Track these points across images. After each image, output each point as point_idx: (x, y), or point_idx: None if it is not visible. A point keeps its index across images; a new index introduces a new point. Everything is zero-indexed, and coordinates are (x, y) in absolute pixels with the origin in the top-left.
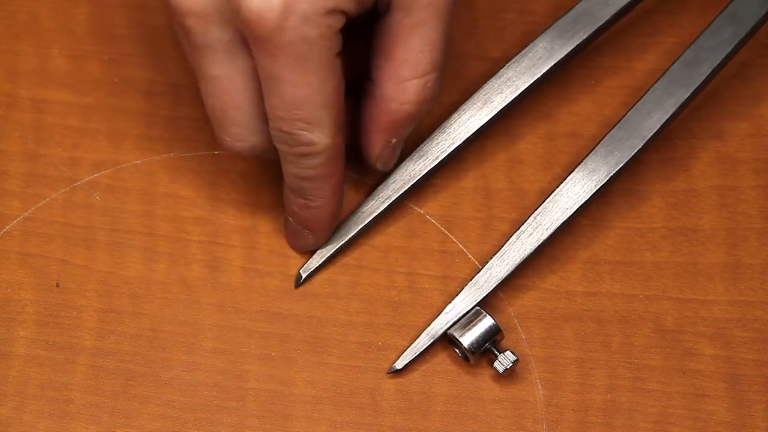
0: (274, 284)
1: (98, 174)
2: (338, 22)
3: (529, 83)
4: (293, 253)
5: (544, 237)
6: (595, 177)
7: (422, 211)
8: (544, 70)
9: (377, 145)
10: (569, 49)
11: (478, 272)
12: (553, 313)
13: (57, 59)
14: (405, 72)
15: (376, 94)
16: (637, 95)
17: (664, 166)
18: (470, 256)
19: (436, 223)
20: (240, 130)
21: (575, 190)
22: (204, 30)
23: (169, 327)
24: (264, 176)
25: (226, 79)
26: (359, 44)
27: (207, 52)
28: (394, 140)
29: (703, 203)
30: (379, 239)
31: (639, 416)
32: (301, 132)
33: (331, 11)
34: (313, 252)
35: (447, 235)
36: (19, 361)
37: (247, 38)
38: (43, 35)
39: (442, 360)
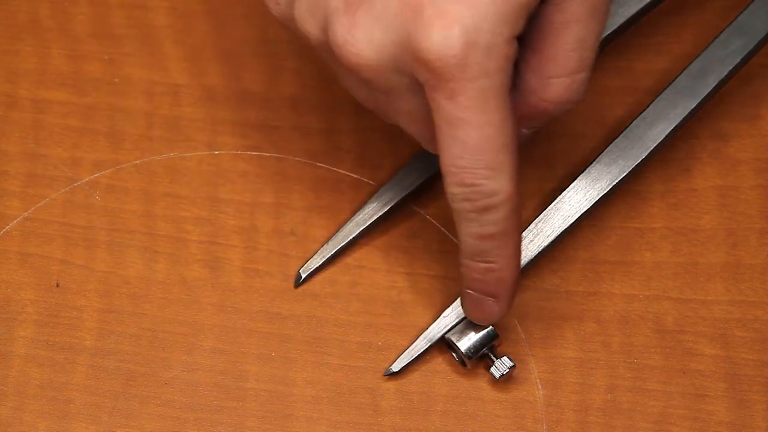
0: (274, 284)
1: (98, 174)
2: (515, 50)
3: None
4: (293, 253)
5: (545, 244)
6: (598, 185)
7: (422, 212)
8: None
9: None
10: None
11: None
12: (553, 313)
13: (57, 59)
14: (551, 69)
15: (519, 85)
16: (636, 95)
17: (664, 166)
18: None
19: (437, 223)
20: None
21: (577, 198)
22: (384, 79)
23: (169, 327)
24: (264, 176)
25: (421, 111)
26: None
27: (392, 96)
28: (525, 130)
29: (703, 203)
30: (379, 239)
31: (639, 416)
32: (484, 181)
33: (512, 40)
34: (314, 252)
35: (447, 235)
36: (19, 361)
37: (425, 82)
38: (43, 35)
39: (442, 360)
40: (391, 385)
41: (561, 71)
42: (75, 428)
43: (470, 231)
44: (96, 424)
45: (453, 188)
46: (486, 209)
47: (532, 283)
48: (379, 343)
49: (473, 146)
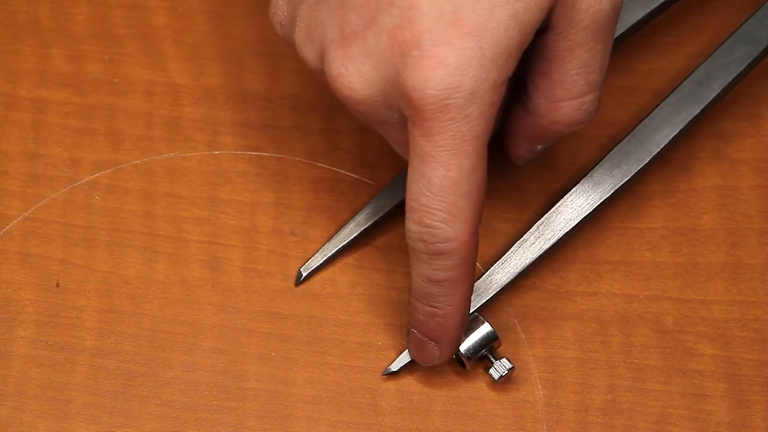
0: (274, 284)
1: (98, 174)
2: (500, 97)
3: None
4: (293, 253)
5: (546, 246)
6: (600, 189)
7: None
8: None
9: (521, 148)
10: None
11: (478, 278)
12: (553, 313)
13: (57, 59)
14: (559, 93)
15: (529, 108)
16: (638, 96)
17: (664, 166)
18: None
19: None
20: None
21: (579, 202)
22: (376, 113)
23: (169, 327)
24: (264, 176)
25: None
26: None
27: (385, 126)
28: (539, 147)
29: (703, 203)
30: (379, 239)
31: (639, 416)
32: (441, 224)
33: (499, 85)
34: (314, 251)
35: None
36: (19, 361)
37: (408, 117)
38: (43, 35)
39: None
40: (391, 385)
41: (569, 95)
42: (75, 428)
43: (421, 272)
44: (96, 424)
45: (411, 225)
46: (438, 254)
47: (532, 283)
48: (379, 343)
49: (437, 186)
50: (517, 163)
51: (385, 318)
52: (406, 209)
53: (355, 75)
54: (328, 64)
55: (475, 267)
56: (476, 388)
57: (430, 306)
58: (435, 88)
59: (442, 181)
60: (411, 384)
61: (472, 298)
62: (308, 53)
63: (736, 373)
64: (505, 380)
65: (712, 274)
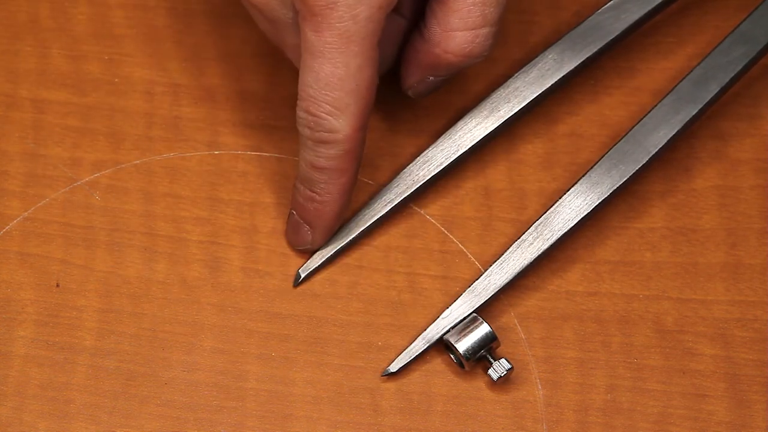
0: (274, 284)
1: (98, 174)
2: (390, 4)
3: (537, 94)
4: (293, 253)
5: (545, 247)
6: (598, 190)
7: (422, 212)
8: (553, 82)
9: (413, 77)
10: (578, 62)
11: (477, 279)
12: (553, 313)
13: (57, 59)
14: (454, 22)
15: (424, 35)
16: (637, 95)
17: (664, 166)
18: (470, 256)
19: (436, 223)
20: None
21: (577, 202)
22: (270, 9)
23: (169, 327)
24: (264, 176)
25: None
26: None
27: (279, 27)
28: (431, 78)
29: (703, 203)
30: (379, 239)
31: (639, 416)
32: (326, 116)
33: None
34: (314, 252)
35: (447, 235)
36: (19, 361)
37: (299, 13)
38: (43, 35)
39: (441, 361)
40: (391, 385)
41: (464, 24)
42: (75, 428)
43: (305, 157)
44: (96, 424)
45: (299, 112)
46: (322, 142)
47: (532, 283)
48: (379, 343)
49: (323, 80)
50: (409, 94)
51: (385, 318)
52: (298, 96)
53: None
54: None
55: (359, 161)
56: (476, 388)
57: (311, 191)
58: None
59: (329, 76)
60: (411, 384)
61: (470, 299)
62: None
63: (736, 373)
64: (504, 381)
65: (712, 274)
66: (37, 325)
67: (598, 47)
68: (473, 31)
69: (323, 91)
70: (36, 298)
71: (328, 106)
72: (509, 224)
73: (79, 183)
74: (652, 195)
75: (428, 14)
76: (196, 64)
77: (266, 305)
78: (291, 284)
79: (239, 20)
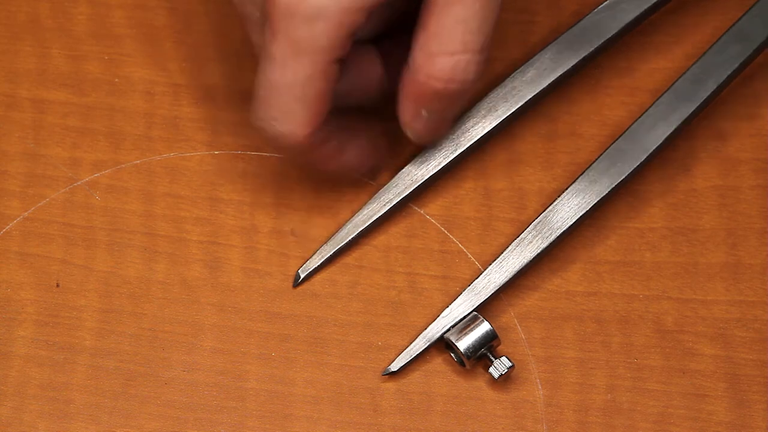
0: (274, 284)
1: (98, 174)
2: (353, 22)
3: (534, 93)
4: (293, 253)
5: (544, 245)
6: (597, 188)
7: (422, 211)
8: (550, 81)
9: (406, 112)
10: (575, 61)
11: (476, 278)
12: (553, 313)
13: (57, 59)
14: (434, 46)
15: (409, 63)
16: (636, 95)
17: (664, 166)
18: (470, 256)
19: (436, 223)
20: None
21: (576, 201)
22: (241, 4)
23: (169, 327)
24: (264, 176)
25: None
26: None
27: (249, 24)
28: (424, 113)
29: (703, 203)
30: (379, 239)
31: (639, 416)
32: (272, 121)
33: (352, 11)
34: (313, 252)
35: (447, 235)
36: (19, 361)
37: (263, 15)
38: (42, 35)
39: (441, 360)
40: (391, 385)
41: (444, 49)
42: (75, 428)
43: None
44: (96, 424)
45: (254, 109)
46: (273, 141)
47: (532, 283)
48: (379, 343)
49: (272, 84)
50: (408, 135)
51: (385, 318)
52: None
53: None
54: None
55: (331, 151)
56: (476, 388)
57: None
58: None
59: (278, 81)
60: (411, 384)
61: (470, 298)
62: None
63: (736, 373)
64: (505, 379)
65: (712, 274)
66: (37, 325)
67: (595, 46)
68: (454, 56)
69: (271, 95)
70: (36, 298)
71: (274, 111)
72: (509, 224)
73: (79, 183)
74: (651, 195)
75: (413, 42)
76: (196, 64)
77: (266, 305)
78: (291, 284)
79: (239, 20)
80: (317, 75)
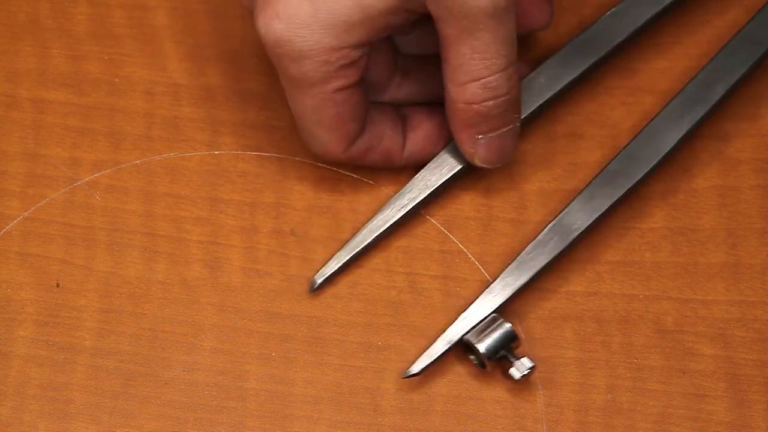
0: (274, 284)
1: (98, 174)
2: (343, 58)
3: (540, 103)
4: (293, 253)
5: (561, 247)
6: (612, 191)
7: (422, 211)
8: (556, 91)
9: (464, 143)
10: (577, 73)
11: (495, 279)
12: (553, 313)
13: (57, 59)
14: (460, 77)
15: (446, 96)
16: (637, 95)
17: (664, 166)
18: (470, 256)
19: (436, 223)
20: None
21: (593, 203)
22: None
23: (169, 327)
24: (264, 176)
25: None
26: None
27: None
28: (479, 137)
29: (703, 203)
30: (379, 239)
31: (639, 416)
32: (307, 140)
33: (336, 49)
34: (316, 252)
35: (447, 235)
36: (19, 361)
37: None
38: (42, 35)
39: (442, 360)
40: (391, 385)
41: (470, 77)
42: (75, 428)
43: None
44: (96, 424)
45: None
46: (320, 160)
47: (532, 283)
48: (379, 343)
49: (294, 113)
50: (476, 163)
51: (385, 318)
52: None
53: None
54: None
55: (380, 155)
56: (476, 388)
57: None
58: (270, 36)
59: (295, 110)
60: (411, 384)
61: (488, 300)
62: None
63: (736, 373)
64: (526, 380)
65: (712, 274)
66: (37, 325)
67: (599, 56)
68: (481, 81)
69: (297, 121)
70: (36, 298)
71: (304, 135)
72: (509, 224)
73: (79, 183)
74: (652, 195)
75: (443, 74)
76: (196, 64)
77: (266, 305)
78: (291, 284)
79: (239, 20)
80: (324, 104)
